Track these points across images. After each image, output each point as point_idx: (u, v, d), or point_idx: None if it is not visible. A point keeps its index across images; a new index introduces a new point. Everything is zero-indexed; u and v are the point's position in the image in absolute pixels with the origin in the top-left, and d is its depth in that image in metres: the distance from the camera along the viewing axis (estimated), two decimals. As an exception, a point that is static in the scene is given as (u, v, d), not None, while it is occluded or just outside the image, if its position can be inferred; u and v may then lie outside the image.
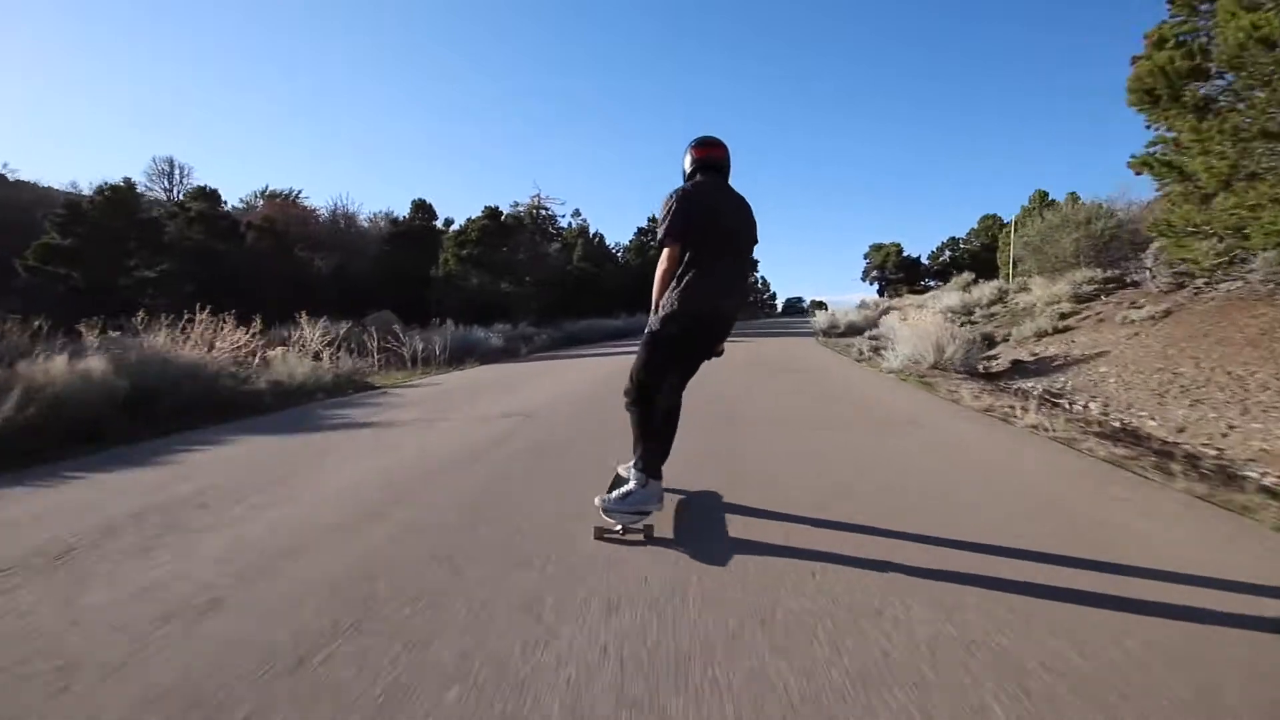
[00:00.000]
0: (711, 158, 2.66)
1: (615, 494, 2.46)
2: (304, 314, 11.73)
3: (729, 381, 7.30)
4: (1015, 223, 20.81)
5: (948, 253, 48.91)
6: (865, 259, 57.02)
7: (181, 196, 29.81)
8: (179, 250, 22.61)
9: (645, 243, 47.84)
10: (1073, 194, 21.85)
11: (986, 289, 18.93)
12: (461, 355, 13.43)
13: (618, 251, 49.61)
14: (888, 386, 6.90)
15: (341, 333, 12.19)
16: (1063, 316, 11.66)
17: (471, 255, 21.87)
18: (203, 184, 27.07)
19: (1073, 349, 9.55)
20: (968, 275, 24.02)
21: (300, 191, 35.62)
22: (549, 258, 38.53)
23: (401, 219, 29.50)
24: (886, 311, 24.01)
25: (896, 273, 50.11)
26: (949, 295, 18.18)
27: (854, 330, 18.03)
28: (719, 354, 2.80)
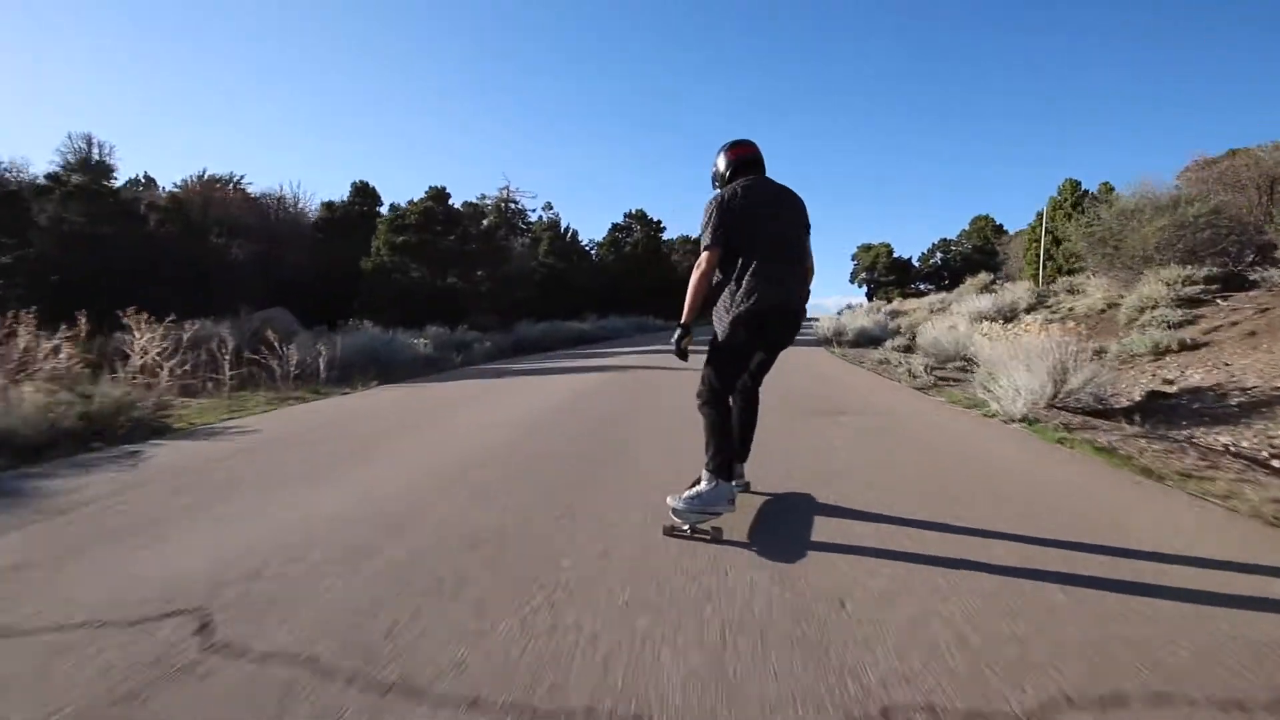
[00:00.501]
0: (747, 156, 2.68)
1: (689, 493, 2.43)
2: (134, 312, 8.20)
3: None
4: (1044, 216, 17.99)
5: (939, 255, 46.57)
6: (853, 260, 54.53)
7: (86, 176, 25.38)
8: (51, 233, 18.63)
9: (620, 239, 44.51)
10: (1106, 184, 19.18)
11: (1018, 290, 16.08)
12: (366, 368, 9.95)
13: (590, 249, 46.17)
14: (1060, 460, 3.67)
15: (185, 340, 8.62)
16: (1170, 326, 8.70)
17: (409, 243, 18.21)
18: (136, 169, 22.76)
19: (1238, 375, 6.52)
20: (985, 275, 21.28)
21: (242, 176, 31.21)
22: (513, 252, 34.95)
23: (339, 203, 25.61)
24: (894, 315, 21.12)
25: (887, 275, 47.57)
26: (977, 298, 15.26)
27: (867, 338, 14.97)
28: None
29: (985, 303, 14.91)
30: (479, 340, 13.96)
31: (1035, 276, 18.54)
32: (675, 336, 2.60)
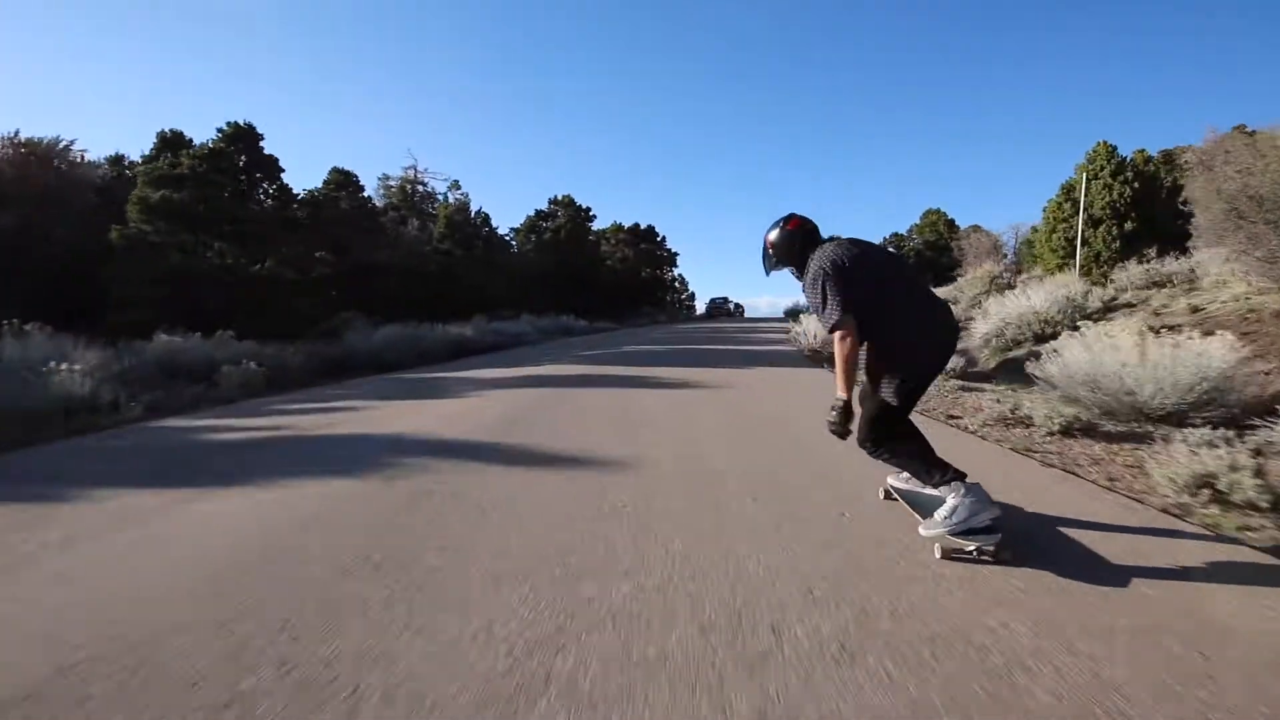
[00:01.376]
0: (811, 225, 2.58)
1: (942, 514, 2.18)
2: None
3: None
4: (1081, 186, 13.68)
5: (890, 249, 43.25)
6: (794, 257, 49.90)
7: None
8: None
9: (541, 226, 38.55)
10: (1142, 151, 15.19)
11: (1073, 284, 11.63)
12: None
13: (509, 238, 39.88)
14: None
15: None
16: None
17: (172, 202, 11.79)
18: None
19: None
20: (991, 266, 17.02)
21: (72, 142, 22.66)
22: (406, 237, 28.45)
23: (136, 160, 18.47)
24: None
25: (837, 271, 43.65)
26: (1017, 295, 10.64)
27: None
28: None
29: (1038, 298, 10.29)
30: (247, 358, 7.98)
31: (1061, 266, 14.22)
32: (835, 418, 2.26)
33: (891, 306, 2.31)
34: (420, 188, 44.15)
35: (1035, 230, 31.11)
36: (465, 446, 3.95)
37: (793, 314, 33.96)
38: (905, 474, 2.57)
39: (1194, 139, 14.22)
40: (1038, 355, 9.10)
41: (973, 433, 4.25)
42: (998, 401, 4.81)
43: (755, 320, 39.35)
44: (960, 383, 6.73)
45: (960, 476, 2.22)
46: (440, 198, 39.99)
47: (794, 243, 2.50)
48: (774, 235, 2.56)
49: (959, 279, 16.31)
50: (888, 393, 2.32)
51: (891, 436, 2.37)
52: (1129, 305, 9.83)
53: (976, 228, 38.91)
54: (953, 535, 2.12)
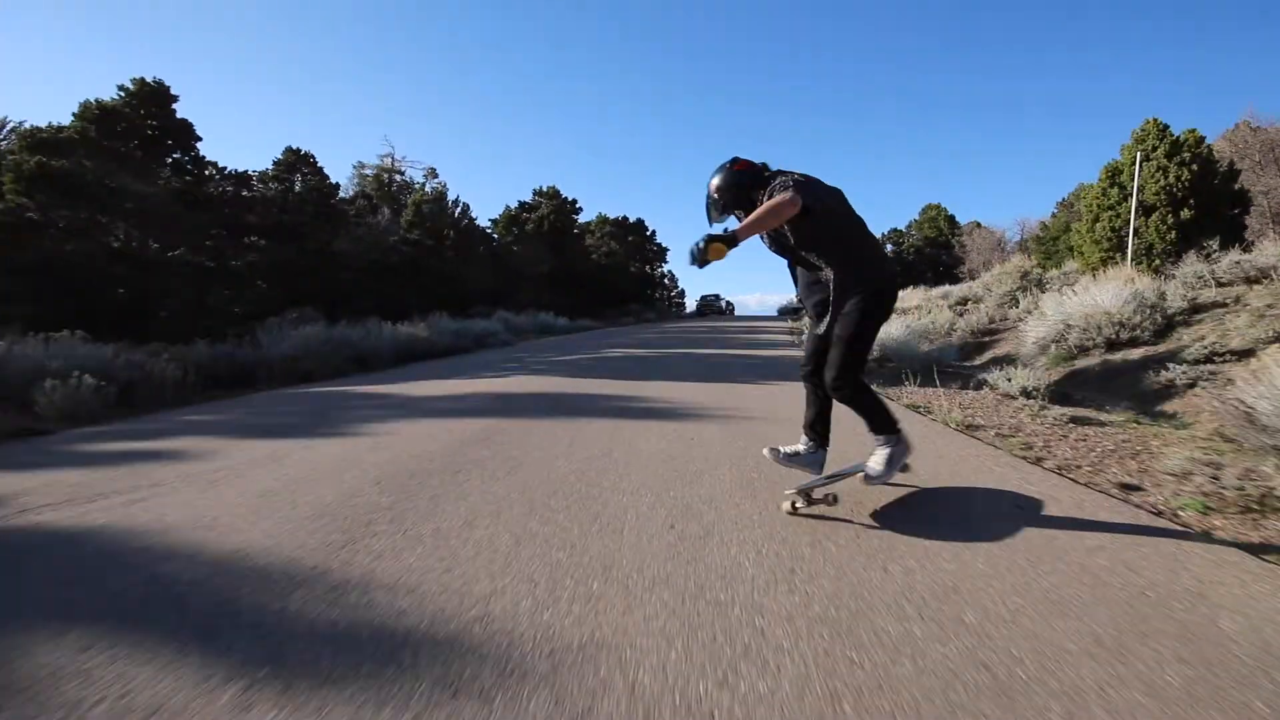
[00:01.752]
0: (757, 165, 2.49)
1: (884, 463, 2.40)
2: None
3: None
4: (1136, 167, 11.91)
5: (889, 246, 41.57)
6: (787, 253, 48.02)
7: None
8: None
9: (523, 218, 36.37)
10: (1192, 130, 13.45)
11: (1139, 280, 9.84)
12: None
13: (490, 231, 37.66)
14: None
15: None
16: None
17: (50, 171, 9.68)
18: None
19: None
20: (1020, 260, 15.30)
21: (21, 123, 20.08)
22: (369, 227, 26.26)
23: (48, 127, 16.19)
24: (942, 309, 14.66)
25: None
26: (1095, 290, 8.79)
27: (903, 356, 8.16)
28: None
29: (1106, 298, 8.56)
30: (86, 370, 5.99)
31: (1105, 260, 12.46)
32: (701, 241, 2.05)
33: (857, 232, 2.40)
34: (398, 176, 41.82)
35: (1045, 226, 29.56)
36: (246, 580, 1.98)
37: (790, 312, 32.12)
38: (794, 453, 2.61)
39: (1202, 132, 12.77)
40: (1109, 365, 7.25)
41: (1203, 531, 2.35)
42: (1218, 468, 2.90)
43: (749, 319, 37.47)
44: (1061, 410, 4.86)
45: (898, 429, 2.43)
46: (418, 187, 37.84)
47: (742, 183, 2.44)
48: (718, 180, 2.49)
49: (982, 275, 14.51)
50: (857, 330, 2.31)
51: (860, 383, 2.38)
52: (1218, 305, 8.05)
53: (978, 224, 37.37)
54: (887, 474, 2.41)
